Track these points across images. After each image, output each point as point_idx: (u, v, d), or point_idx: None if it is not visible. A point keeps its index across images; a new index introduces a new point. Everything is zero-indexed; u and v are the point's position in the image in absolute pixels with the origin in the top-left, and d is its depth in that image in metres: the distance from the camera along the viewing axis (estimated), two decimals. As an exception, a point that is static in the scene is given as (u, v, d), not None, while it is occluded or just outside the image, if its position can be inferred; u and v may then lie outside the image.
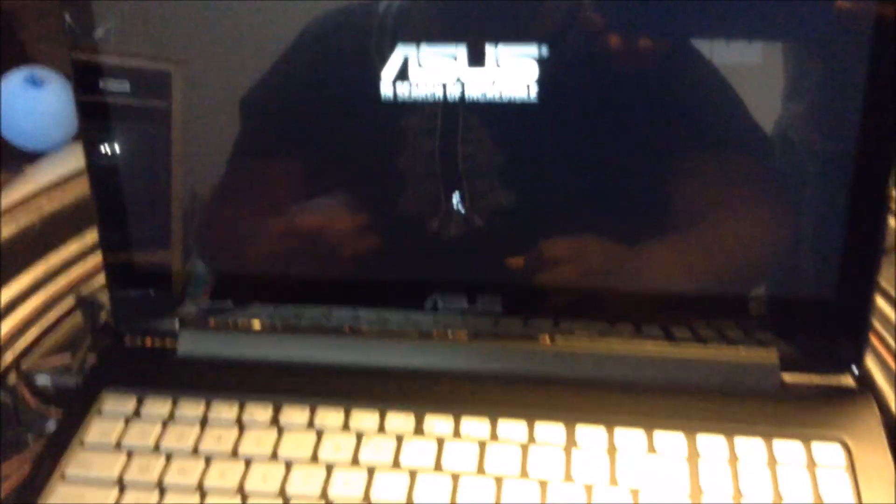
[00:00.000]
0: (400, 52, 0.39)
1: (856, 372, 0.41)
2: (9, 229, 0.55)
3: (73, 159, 0.69)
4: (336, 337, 0.45)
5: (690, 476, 0.37)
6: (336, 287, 0.45)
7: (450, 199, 0.42)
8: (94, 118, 0.43)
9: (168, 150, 0.43)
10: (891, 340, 0.45)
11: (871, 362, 0.44)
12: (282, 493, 0.38)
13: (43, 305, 0.52)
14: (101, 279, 0.53)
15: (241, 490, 0.38)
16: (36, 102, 0.71)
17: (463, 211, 0.42)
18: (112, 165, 0.43)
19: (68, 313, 0.52)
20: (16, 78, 0.71)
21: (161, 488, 0.39)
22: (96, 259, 0.54)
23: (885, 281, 0.48)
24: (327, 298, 0.46)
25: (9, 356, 0.49)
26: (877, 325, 0.46)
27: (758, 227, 0.41)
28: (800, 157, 0.39)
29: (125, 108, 0.42)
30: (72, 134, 0.74)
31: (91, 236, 0.56)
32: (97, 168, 0.44)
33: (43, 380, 0.48)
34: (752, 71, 0.38)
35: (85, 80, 0.42)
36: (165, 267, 0.45)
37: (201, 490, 0.39)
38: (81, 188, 0.61)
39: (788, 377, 0.41)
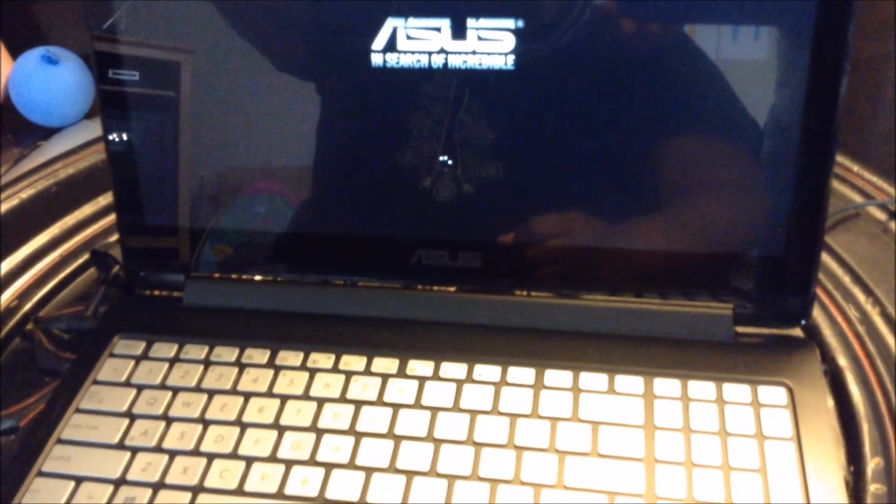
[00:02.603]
0: (389, 25, 0.43)
1: (803, 324, 0.45)
2: (27, 192, 0.59)
3: (86, 135, 0.72)
4: (329, 288, 0.49)
5: (645, 413, 0.41)
6: (330, 245, 0.49)
7: (438, 165, 0.45)
8: (112, 93, 0.46)
9: (177, 126, 0.47)
10: (837, 295, 0.49)
11: (819, 315, 0.48)
12: (276, 424, 0.42)
13: (59, 259, 0.55)
14: (112, 238, 0.57)
15: (239, 421, 0.42)
16: (52, 79, 0.72)
17: (450, 178, 0.45)
18: (126, 136, 0.47)
19: (82, 269, 0.56)
20: (32, 55, 0.73)
21: (167, 419, 0.43)
22: (108, 220, 0.58)
23: (835, 243, 0.51)
24: (322, 257, 0.49)
25: (28, 306, 0.53)
26: (825, 281, 0.50)
27: (720, 197, 0.45)
28: (758, 132, 0.42)
29: (141, 85, 0.46)
30: (85, 111, 0.76)
31: (103, 199, 0.60)
32: (113, 138, 0.47)
33: (59, 327, 0.51)
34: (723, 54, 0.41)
35: (106, 61, 0.46)
36: (173, 225, 0.49)
37: (203, 421, 0.42)
38: (94, 157, 0.65)
39: (741, 329, 0.45)
